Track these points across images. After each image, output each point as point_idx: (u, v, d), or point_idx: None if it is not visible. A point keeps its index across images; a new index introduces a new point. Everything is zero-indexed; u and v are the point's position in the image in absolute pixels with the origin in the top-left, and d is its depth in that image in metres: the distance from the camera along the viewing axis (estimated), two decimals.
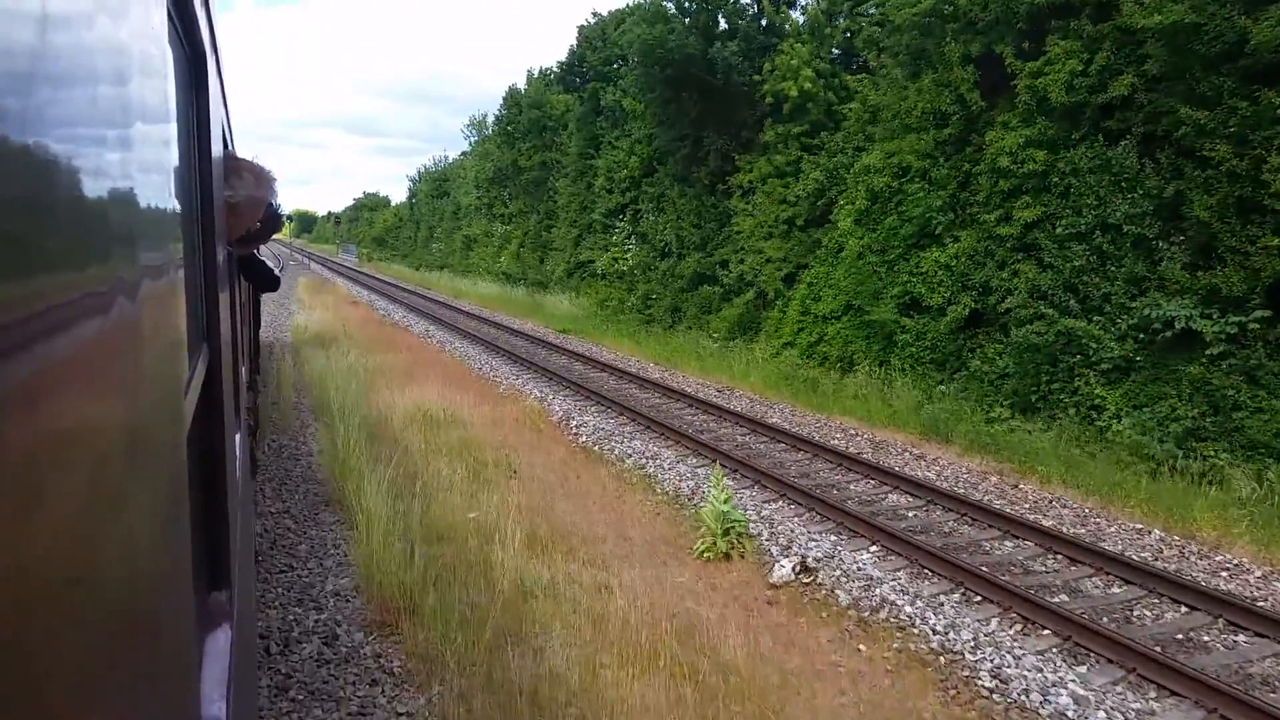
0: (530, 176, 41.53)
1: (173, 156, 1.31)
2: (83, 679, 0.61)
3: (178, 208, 1.31)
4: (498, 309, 34.04)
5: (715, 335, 23.07)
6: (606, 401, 15.89)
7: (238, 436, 3.08)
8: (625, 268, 30.66)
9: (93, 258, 0.66)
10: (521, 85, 43.81)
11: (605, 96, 31.90)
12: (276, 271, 6.94)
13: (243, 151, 6.09)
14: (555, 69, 41.77)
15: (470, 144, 57.38)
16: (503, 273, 42.66)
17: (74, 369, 0.60)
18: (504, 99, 43.99)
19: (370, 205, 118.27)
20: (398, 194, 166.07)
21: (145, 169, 0.96)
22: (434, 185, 67.02)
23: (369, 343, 22.38)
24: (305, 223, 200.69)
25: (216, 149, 2.31)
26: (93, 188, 0.67)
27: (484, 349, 22.77)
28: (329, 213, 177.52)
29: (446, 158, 70.31)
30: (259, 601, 6.48)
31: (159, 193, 1.08)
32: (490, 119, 50.61)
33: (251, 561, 4.22)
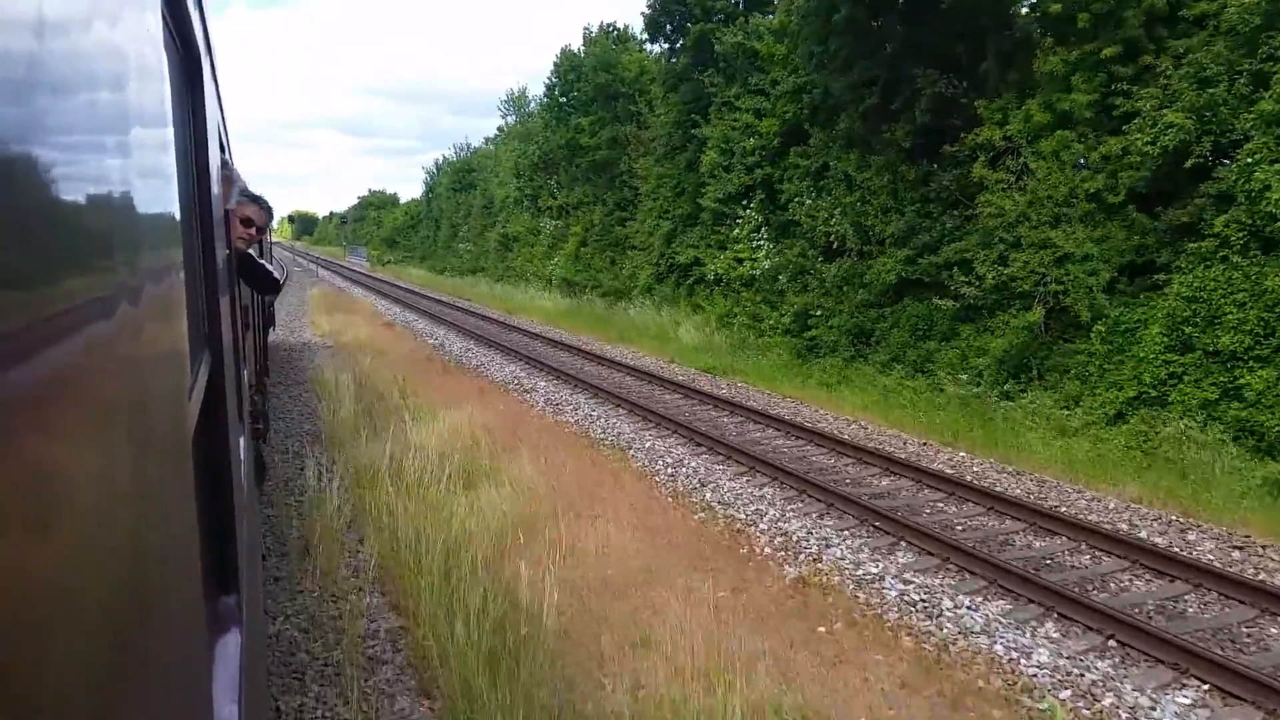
0: (595, 158, 33.30)
1: (170, 160, 1.28)
2: (94, 684, 0.60)
3: (176, 212, 1.29)
4: (576, 330, 25.84)
5: (961, 378, 14.92)
6: (965, 560, 7.68)
7: (242, 440, 3.00)
8: (757, 271, 22.48)
9: (93, 264, 0.66)
10: (576, 46, 35.56)
11: (722, 40, 23.65)
12: (276, 274, 6.94)
13: (237, 152, 6.33)
14: (637, 19, 33.39)
15: (506, 124, 49.16)
16: (561, 279, 34.42)
17: (76, 375, 0.60)
18: (556, 64, 35.73)
19: (377, 203, 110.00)
20: (403, 193, 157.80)
21: (143, 174, 0.95)
22: (456, 177, 58.81)
23: (431, 391, 14.39)
24: (305, 224, 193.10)
25: (213, 152, 2.37)
26: (91, 193, 0.67)
27: (603, 403, 14.56)
28: (331, 213, 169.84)
29: (469, 145, 62.10)
30: None
31: (157, 197, 1.07)
32: (533, 93, 42.43)
33: (259, 565, 4.10)
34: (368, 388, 15.18)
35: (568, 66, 34.57)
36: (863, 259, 18.71)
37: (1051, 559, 7.50)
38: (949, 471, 10.09)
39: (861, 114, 18.63)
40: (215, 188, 2.35)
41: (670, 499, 9.23)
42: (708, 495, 9.06)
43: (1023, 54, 15.67)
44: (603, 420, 12.67)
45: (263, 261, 6.90)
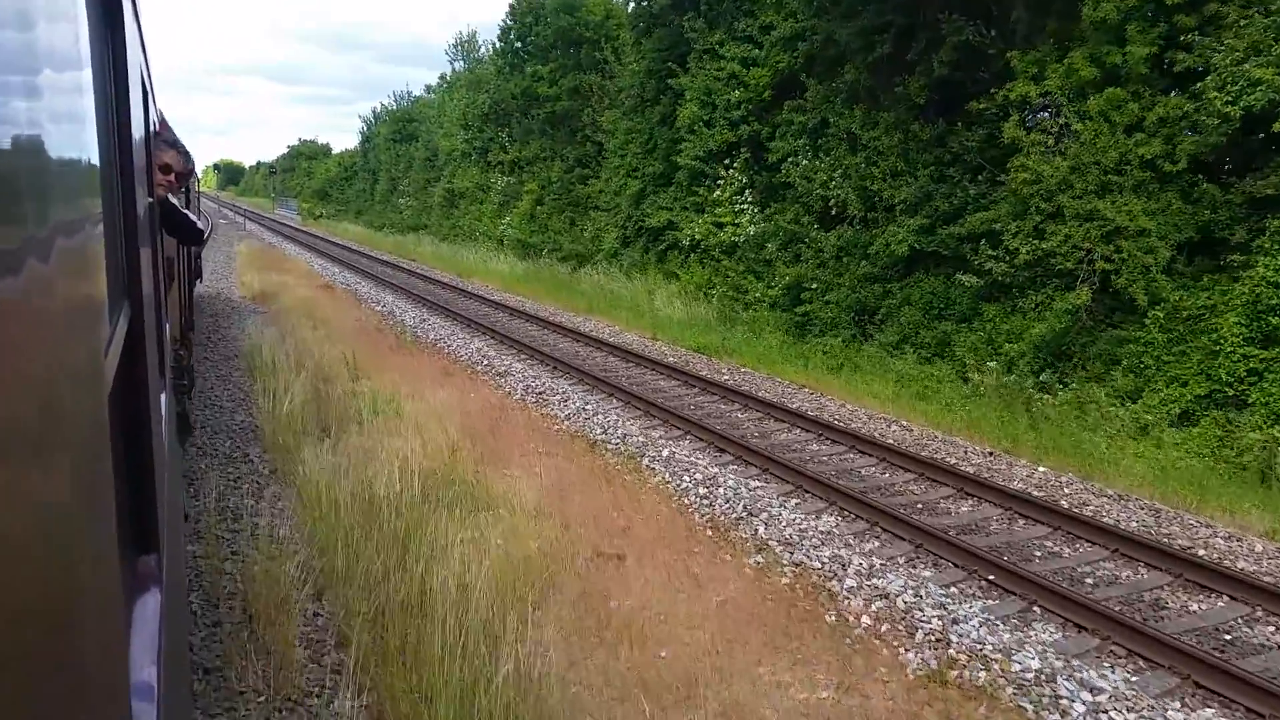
0: (554, 109, 30.88)
1: (87, 104, 1.22)
2: (6, 644, 0.60)
3: (94, 159, 1.26)
4: (539, 298, 23.67)
5: (989, 365, 13.34)
6: (1143, 646, 5.96)
7: (163, 396, 2.87)
8: (741, 237, 20.60)
9: (3, 214, 0.64)
10: None
11: None
12: (201, 225, 6.70)
13: (158, 98, 5.93)
14: None
15: (455, 71, 46.14)
16: (515, 240, 32.05)
17: None
18: (512, 6, 32.98)
19: (308, 154, 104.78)
20: (336, 143, 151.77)
21: (56, 118, 0.90)
22: (396, 127, 55.47)
23: (388, 372, 12.32)
24: (231, 174, 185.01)
25: (135, 96, 2.24)
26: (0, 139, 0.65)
27: (593, 391, 12.60)
28: (258, 162, 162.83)
29: (410, 94, 58.69)
30: None
31: (72, 143, 1.03)
32: (484, 38, 39.68)
33: (180, 524, 3.95)
34: (311, 367, 12.97)
35: (525, 8, 31.91)
36: (867, 227, 16.94)
37: (1245, 636, 5.85)
38: (1037, 494, 8.41)
39: (869, 65, 16.75)
40: (137, 133, 2.27)
41: (710, 532, 7.36)
42: (759, 529, 7.20)
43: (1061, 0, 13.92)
44: (600, 416, 10.69)
45: (186, 212, 6.25)
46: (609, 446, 9.62)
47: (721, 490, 8.02)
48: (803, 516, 7.50)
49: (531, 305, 22.04)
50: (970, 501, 8.15)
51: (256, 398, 12.07)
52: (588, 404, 11.37)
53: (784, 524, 7.20)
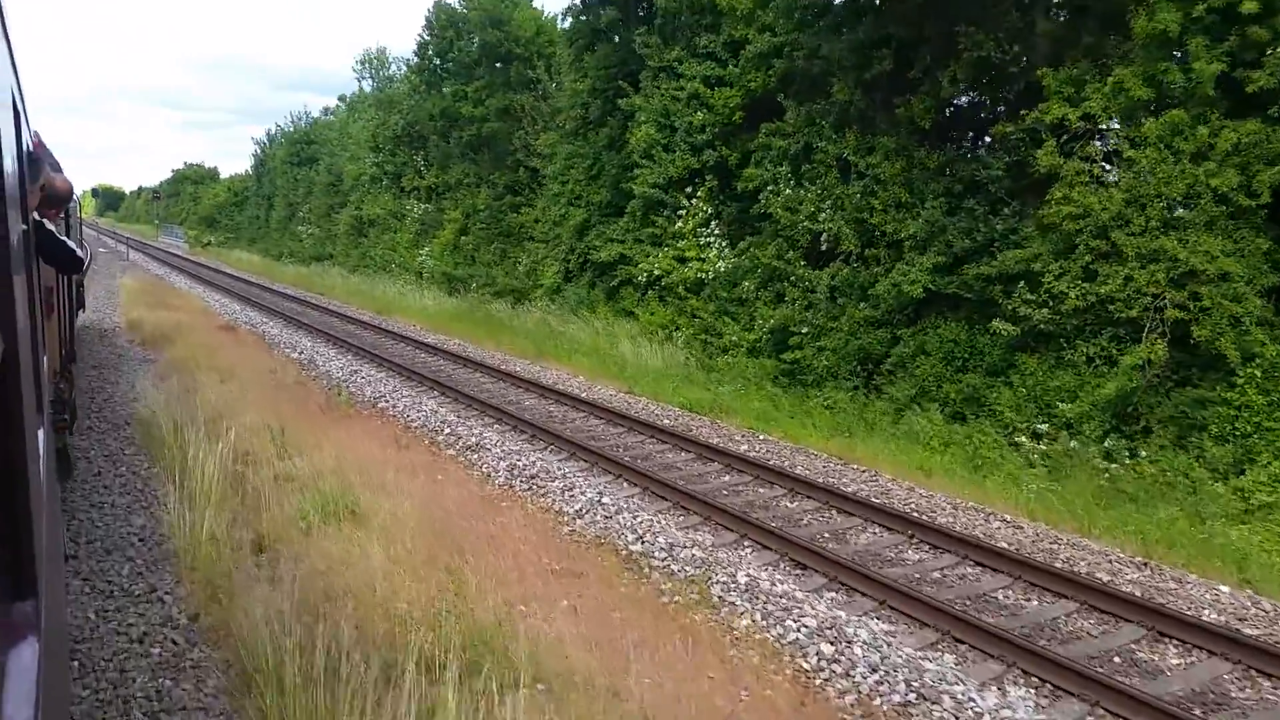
0: (480, 131, 28.38)
1: None
2: None
3: None
4: (478, 340, 21.06)
5: (1041, 429, 11.57)
6: None
7: (40, 433, 2.76)
8: (708, 274, 18.57)
9: None
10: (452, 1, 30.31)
11: None
12: (80, 253, 6.60)
13: (36, 122, 5.63)
14: None
15: (360, 90, 43.07)
16: (439, 273, 29.29)
17: None
18: (429, 19, 30.37)
19: (194, 178, 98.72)
20: (224, 168, 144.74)
21: None
22: (295, 150, 51.78)
23: (325, 446, 9.76)
24: (110, 199, 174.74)
25: (5, 116, 2.13)
26: None
27: (598, 474, 10.23)
28: (140, 187, 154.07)
29: (308, 114, 55.07)
30: None
31: None
32: (395, 54, 37.03)
33: (61, 568, 3.82)
34: (226, 440, 10.21)
35: (444, 22, 29.37)
36: (865, 265, 15.09)
37: None
38: (1210, 619, 6.48)
39: (862, 83, 14.99)
40: (8, 155, 2.16)
41: None
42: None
43: (1097, 10, 12.41)
44: (623, 515, 8.27)
45: (64, 238, 5.85)
46: (653, 564, 7.27)
47: (859, 652, 5.75)
48: (988, 694, 5.30)
49: (474, 350, 19.45)
50: (1178, 651, 6.13)
51: (158, 487, 9.30)
52: (597, 492, 8.94)
53: (966, 714, 4.99)
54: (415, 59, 31.11)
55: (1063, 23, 12.81)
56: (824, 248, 15.81)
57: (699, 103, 18.87)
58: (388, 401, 13.49)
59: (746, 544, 7.86)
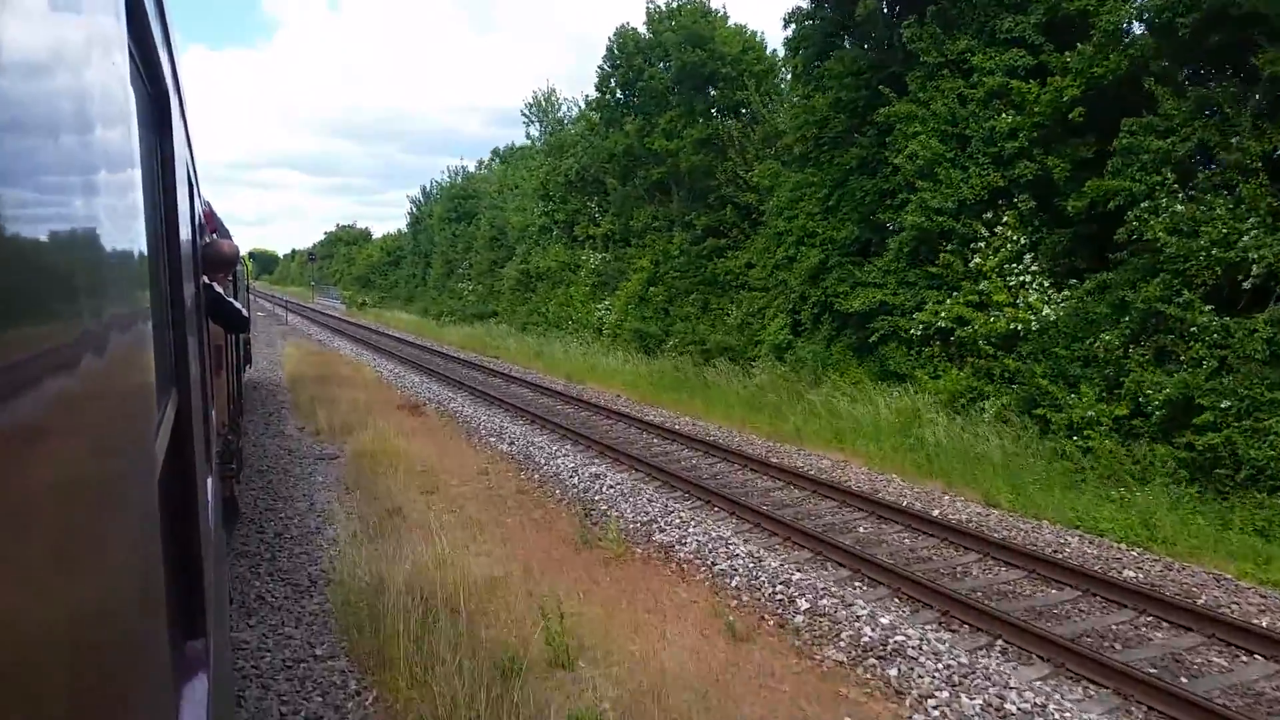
0: (674, 167, 24.69)
1: (136, 199, 1.25)
2: None
3: (144, 251, 1.28)
4: (707, 415, 17.04)
5: None
6: None
7: (209, 481, 2.91)
8: (1027, 324, 13.98)
9: (57, 307, 0.65)
10: (637, 25, 26.96)
11: None
12: (244, 312, 7.23)
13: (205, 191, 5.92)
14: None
15: (531, 137, 40.55)
16: (629, 329, 25.59)
17: (42, 421, 0.59)
18: (611, 49, 27.12)
19: (347, 239, 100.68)
20: (374, 229, 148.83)
21: (110, 214, 0.92)
22: (452, 205, 49.99)
23: (620, 635, 5.88)
24: (265, 263, 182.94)
25: (182, 191, 2.31)
26: (56, 235, 0.66)
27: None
28: (293, 250, 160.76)
29: (464, 169, 53.38)
30: None
31: (123, 237, 1.05)
32: (565, 96, 34.14)
33: (225, 610, 3.86)
34: (467, 634, 6.36)
35: (632, 49, 25.99)
36: None
37: None
38: None
39: None
40: (184, 226, 2.28)
41: None
42: None
43: None
44: None
45: (230, 300, 6.23)
46: None
47: None
48: None
49: (717, 431, 15.39)
50: None
51: None
52: None
53: None
54: (599, 93, 27.75)
55: None
56: (1246, 285, 11.03)
57: (1005, 102, 14.48)
58: (666, 531, 9.46)
59: None
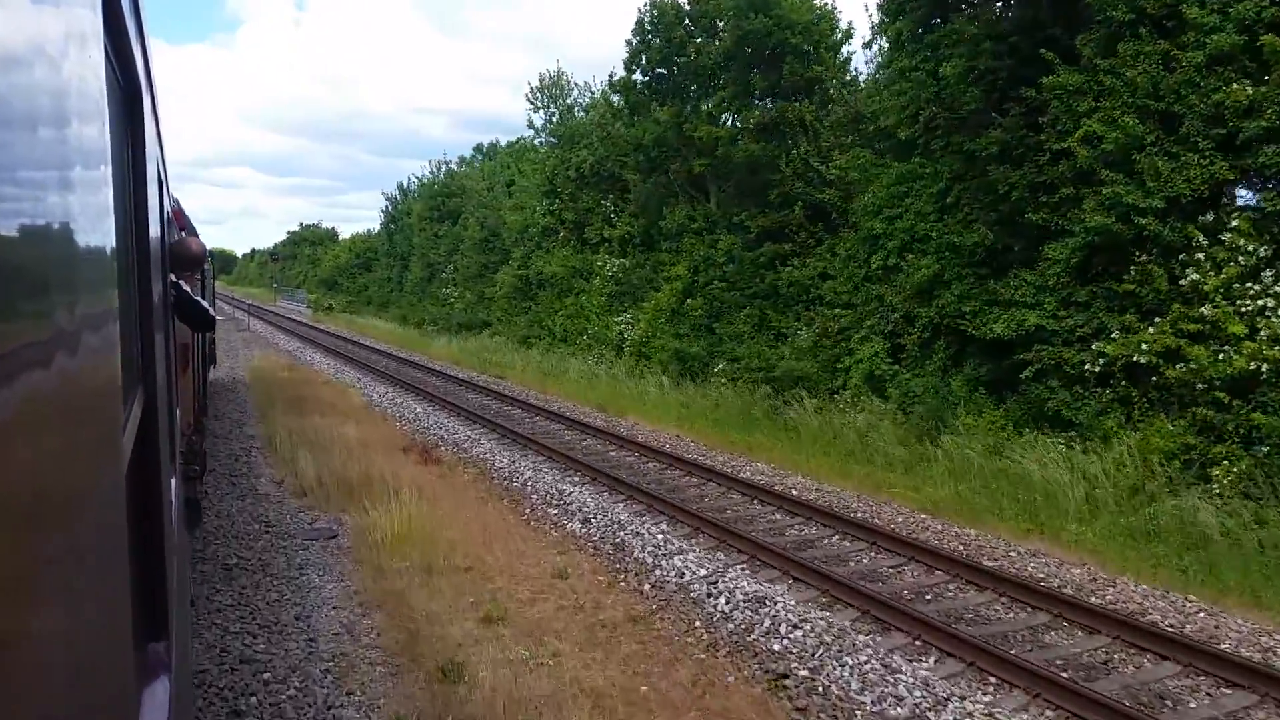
0: (726, 156, 20.81)
1: (107, 196, 1.21)
2: None
3: (112, 250, 1.24)
4: (807, 469, 13.20)
5: None
6: None
7: (173, 481, 2.86)
8: (1269, 360, 10.35)
9: (29, 304, 0.64)
10: None
11: None
12: (211, 311, 6.98)
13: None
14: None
15: (534, 128, 36.47)
16: (672, 350, 21.63)
17: (8, 418, 0.58)
18: (643, 21, 23.17)
19: (312, 239, 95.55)
20: (342, 231, 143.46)
21: (81, 210, 0.90)
22: (433, 203, 45.73)
23: None
24: (223, 262, 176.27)
25: (153, 187, 2.24)
26: (25, 230, 0.65)
27: None
28: (253, 250, 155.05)
29: (448, 164, 49.13)
30: None
31: (93, 234, 1.02)
32: (578, 81, 30.51)
33: (188, 611, 3.89)
34: None
35: (671, 18, 22.07)
36: None
37: None
38: None
39: None
40: (153, 225, 2.20)
41: None
42: None
43: None
44: None
45: (197, 298, 6.08)
46: None
47: None
48: None
49: (866, 506, 11.50)
50: None
51: None
52: None
53: None
54: (626, 72, 23.77)
55: None
56: None
57: (1235, 69, 10.87)
58: (894, 705, 5.60)
59: None
